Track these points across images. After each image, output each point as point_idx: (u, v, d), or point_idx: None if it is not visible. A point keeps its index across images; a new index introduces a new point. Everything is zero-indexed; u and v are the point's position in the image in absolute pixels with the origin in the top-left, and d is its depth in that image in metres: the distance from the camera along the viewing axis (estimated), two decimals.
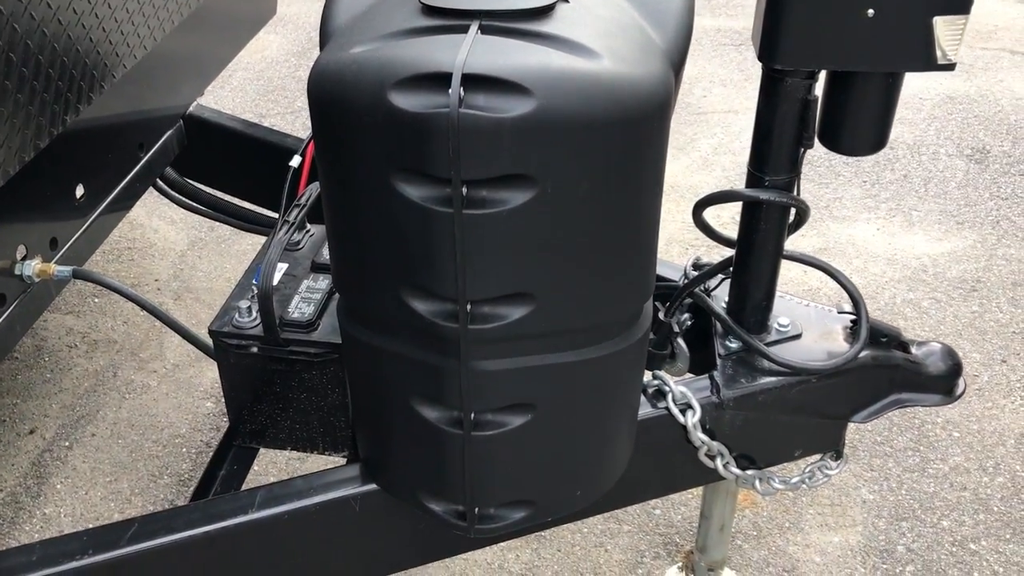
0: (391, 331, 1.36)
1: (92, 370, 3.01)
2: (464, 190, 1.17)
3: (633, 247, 1.34)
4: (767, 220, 1.68)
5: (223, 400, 2.86)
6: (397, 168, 1.19)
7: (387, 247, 1.26)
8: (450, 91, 1.12)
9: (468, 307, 1.26)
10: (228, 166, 2.69)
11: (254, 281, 1.84)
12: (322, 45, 1.37)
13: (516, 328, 1.28)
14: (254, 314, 1.80)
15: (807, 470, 1.90)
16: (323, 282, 1.87)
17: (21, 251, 1.99)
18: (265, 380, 1.83)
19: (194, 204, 2.60)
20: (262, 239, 2.76)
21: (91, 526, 2.53)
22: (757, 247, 1.73)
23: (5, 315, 1.93)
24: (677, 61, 1.37)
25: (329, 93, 1.21)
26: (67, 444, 2.75)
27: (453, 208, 1.18)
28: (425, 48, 1.16)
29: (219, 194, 2.76)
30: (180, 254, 3.53)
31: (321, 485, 1.60)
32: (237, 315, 1.79)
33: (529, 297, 1.26)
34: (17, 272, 1.97)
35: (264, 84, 4.68)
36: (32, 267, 1.98)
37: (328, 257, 1.95)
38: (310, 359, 1.77)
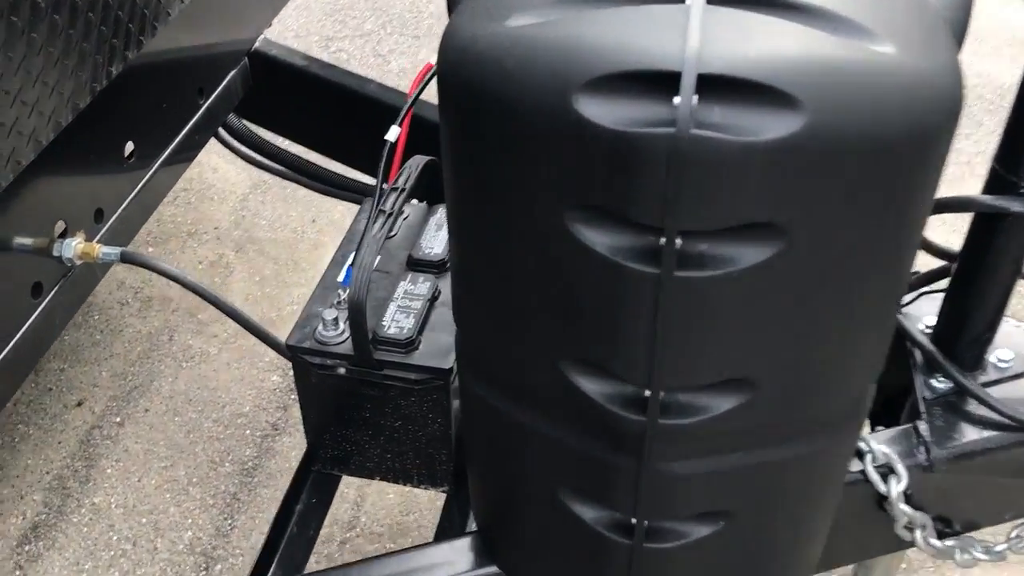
0: (541, 408, 1.00)
1: (145, 332, 2.71)
2: (678, 242, 0.79)
3: (887, 306, 0.95)
4: (1012, 234, 1.28)
5: (291, 375, 2.55)
6: (578, 204, 0.81)
7: (550, 307, 0.89)
8: (677, 100, 0.73)
9: (661, 395, 0.89)
10: (299, 112, 2.31)
11: (341, 285, 1.48)
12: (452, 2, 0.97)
13: (722, 423, 0.91)
14: (341, 327, 1.45)
15: (1014, 535, 1.53)
16: (423, 285, 1.51)
17: (60, 227, 1.66)
18: (353, 405, 1.50)
19: (260, 158, 2.24)
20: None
21: (144, 520, 2.27)
22: (989, 265, 1.33)
23: (42, 306, 1.61)
24: (960, 35, 0.95)
25: (477, 83, 0.83)
26: (118, 420, 2.47)
27: (660, 267, 0.80)
28: (632, 26, 0.77)
29: (287, 143, 2.40)
30: (241, 198, 3.19)
31: (428, 566, 1.27)
32: (321, 327, 1.45)
33: (747, 384, 0.89)
34: (56, 254, 1.64)
35: (330, 3, 4.25)
36: (73, 248, 1.65)
37: (429, 250, 1.60)
38: (409, 386, 1.43)
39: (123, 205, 1.81)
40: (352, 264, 1.47)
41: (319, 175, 2.14)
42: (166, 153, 1.95)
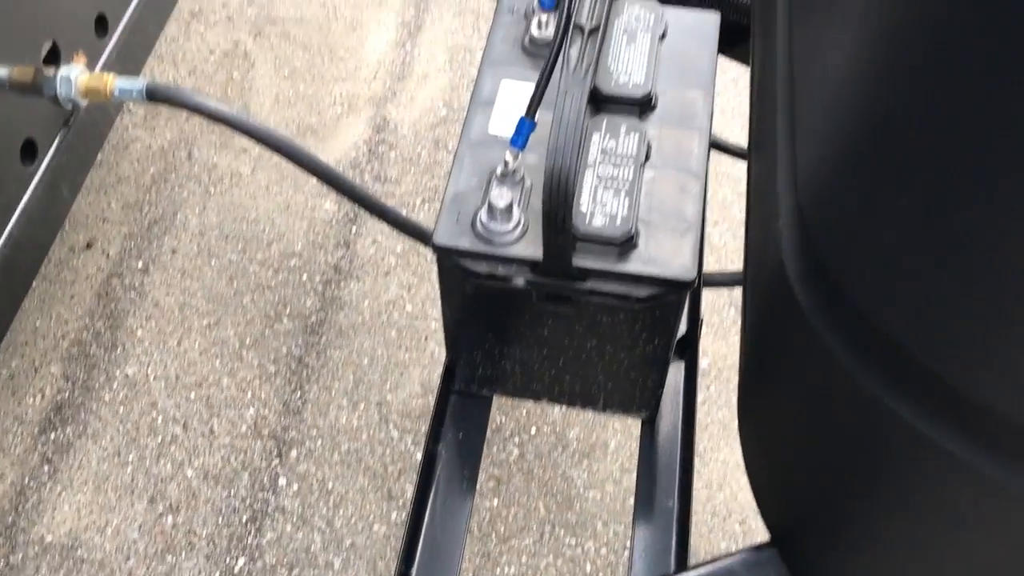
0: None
1: (157, 148, 2.16)
2: None
3: None
4: None
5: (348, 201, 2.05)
6: None
7: None
8: None
9: None
10: None
11: (512, 148, 0.95)
12: None
13: None
14: (516, 216, 0.94)
15: None
16: (628, 140, 0.99)
17: (47, 48, 1.10)
18: (530, 323, 1.02)
19: None
20: None
21: (193, 395, 1.85)
22: None
23: (39, 174, 1.08)
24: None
25: None
26: (140, 265, 1.98)
27: None
28: None
29: None
30: None
31: None
32: (485, 216, 0.94)
33: None
34: (49, 92, 1.09)
35: None
36: (74, 81, 1.09)
37: (624, 77, 1.05)
38: (627, 305, 0.94)
39: (134, 2, 1.23)
40: (527, 116, 0.94)
41: None
42: None
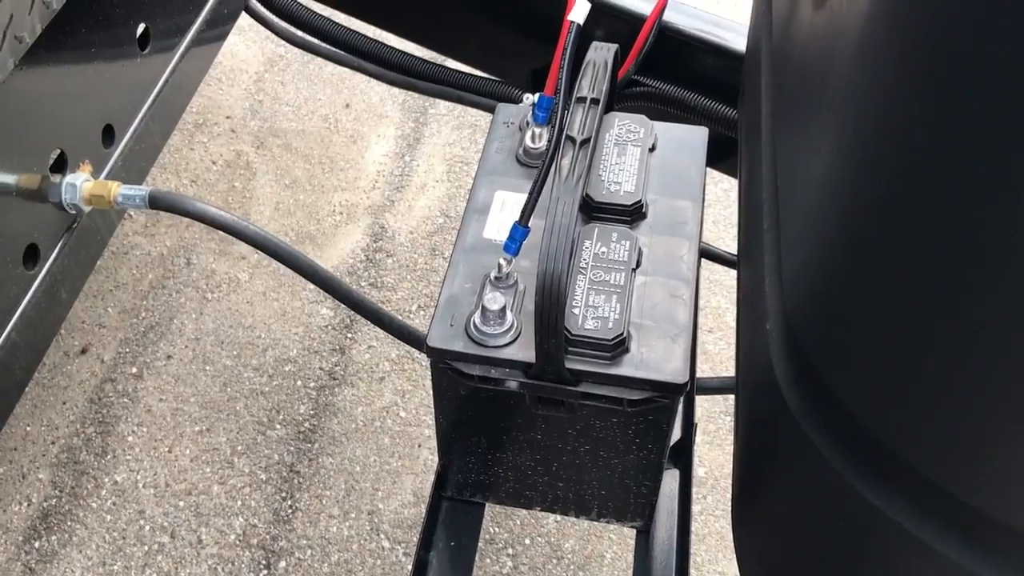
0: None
1: (157, 255, 2.19)
2: None
3: None
4: None
5: (345, 307, 2.06)
6: None
7: None
8: None
9: None
10: None
11: (505, 254, 0.97)
12: None
13: None
14: (510, 321, 0.95)
15: None
16: (619, 247, 1.01)
17: (54, 157, 1.13)
18: (522, 426, 1.02)
19: (309, 39, 1.66)
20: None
21: (182, 503, 1.83)
22: None
23: (40, 277, 1.10)
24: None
25: None
26: (134, 371, 1.98)
27: None
28: None
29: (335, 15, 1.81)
30: (256, 78, 2.61)
31: None
32: (478, 319, 0.95)
33: None
34: (54, 198, 1.12)
35: None
36: (79, 188, 1.12)
37: (614, 186, 1.08)
38: (618, 407, 0.95)
39: (140, 115, 1.27)
40: (520, 222, 0.96)
41: (399, 64, 1.57)
42: (191, 31, 1.39)
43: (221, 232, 2.26)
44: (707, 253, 1.53)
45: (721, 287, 2.13)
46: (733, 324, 2.10)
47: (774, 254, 0.76)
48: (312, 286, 2.13)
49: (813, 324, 0.64)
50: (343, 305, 2.10)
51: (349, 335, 2.05)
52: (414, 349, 2.02)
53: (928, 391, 0.54)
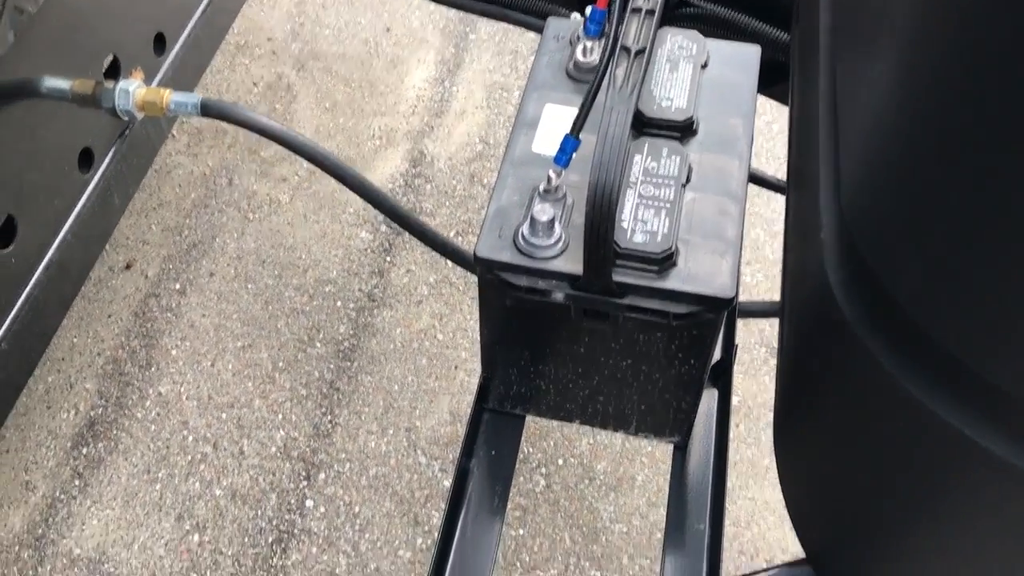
0: None
1: (199, 174, 2.21)
2: None
3: None
4: None
5: (384, 231, 2.08)
6: None
7: None
8: None
9: None
10: None
11: (555, 166, 0.98)
12: None
13: None
14: (558, 232, 0.96)
15: None
16: (670, 161, 1.01)
17: (107, 62, 1.14)
18: (567, 338, 1.03)
19: None
20: None
21: (224, 415, 1.87)
22: None
23: (94, 181, 1.12)
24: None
25: None
26: (178, 287, 2.02)
27: None
28: None
29: None
30: (297, 0, 2.59)
31: None
32: (527, 230, 0.96)
33: None
34: (107, 103, 1.13)
35: None
36: (132, 94, 1.13)
37: (666, 102, 1.08)
38: (663, 321, 0.96)
39: (190, 25, 1.27)
40: (572, 133, 0.96)
41: None
42: None
43: (262, 154, 2.28)
44: (753, 177, 1.52)
45: (760, 219, 2.12)
46: (771, 256, 2.09)
47: (831, 164, 0.76)
48: (352, 209, 2.16)
49: (874, 227, 0.64)
50: (383, 228, 2.13)
51: (388, 258, 2.07)
52: (451, 274, 2.05)
53: (997, 293, 0.54)
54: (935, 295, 0.58)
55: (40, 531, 1.70)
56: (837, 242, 0.69)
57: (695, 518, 1.11)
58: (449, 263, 2.05)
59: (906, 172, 0.61)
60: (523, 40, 2.49)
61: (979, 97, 0.53)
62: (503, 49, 2.50)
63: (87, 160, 1.09)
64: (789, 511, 0.87)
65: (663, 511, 1.40)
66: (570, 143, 0.96)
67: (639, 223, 0.96)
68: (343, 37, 2.51)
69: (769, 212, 2.12)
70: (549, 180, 0.98)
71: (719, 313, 0.95)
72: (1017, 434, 0.56)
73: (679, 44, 1.12)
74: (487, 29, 2.51)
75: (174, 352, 1.93)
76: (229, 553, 1.68)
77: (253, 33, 2.50)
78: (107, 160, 1.12)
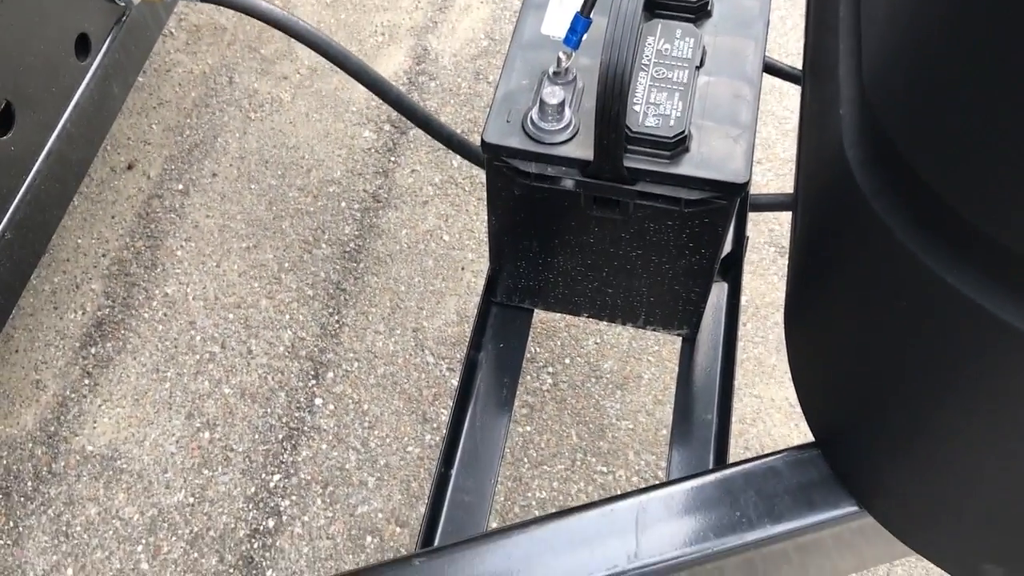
0: None
1: (199, 72, 2.17)
2: None
3: None
4: None
5: (388, 130, 2.05)
6: None
7: None
8: None
9: None
10: None
11: (565, 47, 0.94)
12: None
13: None
14: (568, 116, 0.93)
15: None
16: (683, 43, 0.98)
17: None
18: (576, 228, 1.02)
19: None
20: None
21: (231, 315, 1.87)
22: None
23: (92, 69, 1.09)
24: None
25: None
26: (181, 187, 2.00)
27: None
28: None
29: None
30: None
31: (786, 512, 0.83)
32: (536, 115, 0.93)
33: None
34: None
35: None
36: None
37: None
38: (675, 208, 0.94)
39: None
40: (582, 12, 0.93)
41: None
42: None
43: (263, 52, 2.23)
44: (767, 67, 1.48)
45: (772, 117, 2.08)
46: (782, 155, 2.06)
47: (852, 40, 0.73)
48: (355, 108, 2.12)
49: (895, 100, 0.62)
50: (386, 127, 2.09)
51: (392, 158, 2.04)
52: (456, 174, 2.02)
53: (1019, 159, 0.52)
54: (956, 164, 0.56)
55: (52, 428, 1.72)
56: (858, 118, 0.67)
57: (702, 409, 1.11)
58: (455, 163, 2.03)
59: (928, 42, 0.58)
60: None
61: None
62: None
63: (84, 46, 1.06)
64: (799, 394, 0.87)
65: (669, 409, 1.40)
66: (581, 23, 0.93)
67: (651, 106, 0.93)
68: None
69: (781, 110, 2.08)
70: (559, 62, 0.96)
71: (732, 199, 0.93)
72: None
73: None
74: None
75: (179, 253, 1.92)
76: (240, 450, 1.70)
77: None
78: (105, 47, 1.09)
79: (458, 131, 2.08)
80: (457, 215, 1.98)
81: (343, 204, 1.98)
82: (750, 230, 1.91)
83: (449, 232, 1.96)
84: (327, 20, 2.25)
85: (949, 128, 0.58)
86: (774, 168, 2.02)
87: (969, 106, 0.56)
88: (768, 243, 1.93)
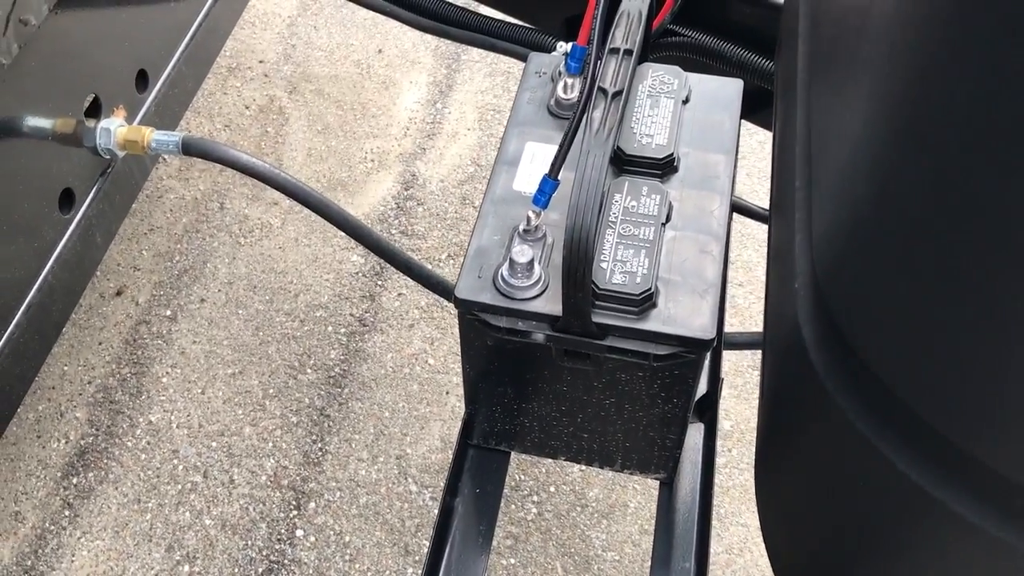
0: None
1: (191, 199, 2.21)
2: None
3: None
4: None
5: (375, 262, 2.07)
6: None
7: None
8: None
9: None
10: None
11: (534, 207, 0.97)
12: None
13: None
14: (537, 274, 0.95)
15: None
16: (649, 200, 1.00)
17: (89, 101, 1.13)
18: (548, 378, 1.03)
19: None
20: None
21: (214, 443, 1.87)
22: None
23: (75, 222, 1.11)
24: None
25: None
26: (168, 314, 2.01)
27: None
28: None
29: None
30: (289, 22, 2.59)
31: None
32: (506, 272, 0.95)
33: None
34: (88, 143, 1.13)
35: None
36: (114, 133, 1.13)
37: (646, 139, 1.07)
38: (644, 362, 0.95)
39: (174, 59, 1.27)
40: (550, 175, 0.96)
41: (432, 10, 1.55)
42: None
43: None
44: (739, 207, 1.52)
45: (753, 241, 2.12)
46: (763, 278, 2.09)
47: (805, 211, 0.76)
48: (343, 233, 2.15)
49: (841, 286, 0.64)
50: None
51: (379, 282, 2.07)
52: (442, 298, 2.04)
53: (958, 356, 0.54)
54: (901, 358, 0.58)
55: (30, 563, 1.69)
56: (809, 295, 0.69)
57: (681, 556, 1.10)
58: None
59: (872, 226, 0.60)
60: (515, 61, 2.48)
61: (943, 158, 0.52)
62: (495, 70, 2.50)
63: (68, 200, 1.09)
64: (766, 544, 0.87)
65: None
66: (548, 184, 0.96)
67: (618, 263, 0.95)
68: (335, 59, 2.51)
69: (762, 233, 2.12)
70: (528, 220, 0.98)
71: (700, 354, 0.94)
72: (985, 497, 0.55)
73: (660, 79, 1.11)
74: (479, 51, 2.50)
75: (164, 380, 1.92)
76: None
77: (245, 55, 2.50)
78: (89, 199, 1.12)
79: (444, 254, 2.11)
80: (443, 338, 2.00)
81: (329, 328, 1.99)
82: (731, 353, 1.92)
83: (434, 355, 1.97)
84: (318, 147, 2.31)
85: (896, 324, 0.59)
86: (755, 291, 2.04)
87: (916, 306, 0.57)
88: (751, 367, 1.94)
